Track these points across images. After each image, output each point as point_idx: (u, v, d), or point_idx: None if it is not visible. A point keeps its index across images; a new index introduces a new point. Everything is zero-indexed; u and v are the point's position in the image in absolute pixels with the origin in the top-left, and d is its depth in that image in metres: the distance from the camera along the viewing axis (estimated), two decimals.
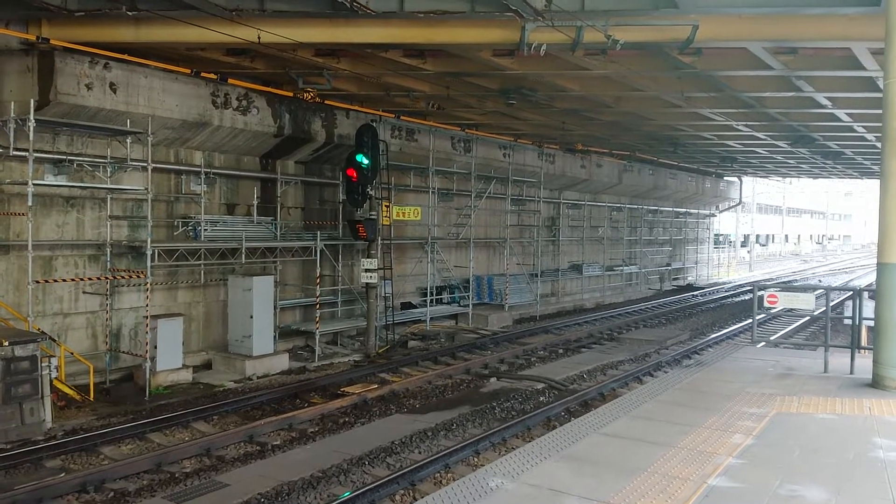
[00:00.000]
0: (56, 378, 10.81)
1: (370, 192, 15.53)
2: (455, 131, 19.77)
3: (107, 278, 12.53)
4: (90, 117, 11.77)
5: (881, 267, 8.92)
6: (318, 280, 15.48)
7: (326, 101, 15.50)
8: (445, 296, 20.58)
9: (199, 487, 7.98)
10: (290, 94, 14.63)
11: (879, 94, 9.54)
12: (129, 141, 12.19)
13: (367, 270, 15.90)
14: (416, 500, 7.62)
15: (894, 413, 7.77)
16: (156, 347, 12.42)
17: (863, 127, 19.13)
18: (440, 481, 8.15)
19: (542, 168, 23.20)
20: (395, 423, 10.47)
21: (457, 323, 19.85)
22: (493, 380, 13.46)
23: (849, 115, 17.42)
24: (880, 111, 9.03)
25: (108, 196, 12.57)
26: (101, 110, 11.83)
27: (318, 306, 15.47)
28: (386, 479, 7.80)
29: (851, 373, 9.84)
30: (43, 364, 9.90)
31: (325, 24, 10.70)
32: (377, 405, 11.51)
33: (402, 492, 7.82)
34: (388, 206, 16.81)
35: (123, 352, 12.99)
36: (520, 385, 12.99)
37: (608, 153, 26.24)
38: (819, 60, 12.46)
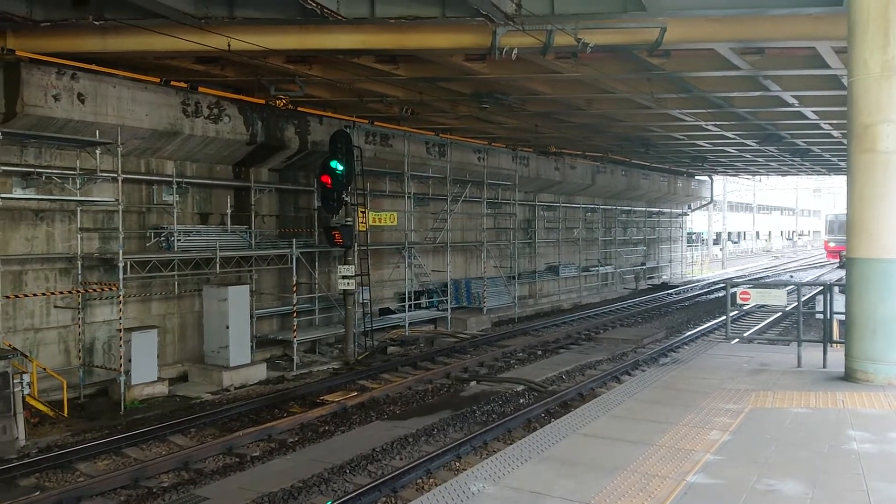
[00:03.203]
0: (29, 394, 10.61)
1: (345, 199, 15.48)
2: (429, 136, 19.79)
3: (78, 292, 12.33)
4: (58, 129, 11.60)
5: (850, 262, 9.09)
6: (294, 288, 15.38)
7: (299, 108, 15.43)
8: (424, 301, 20.57)
9: (177, 502, 7.89)
10: (263, 102, 14.55)
11: (844, 92, 9.74)
12: (98, 152, 12.02)
13: (344, 277, 15.84)
14: None
15: (867, 405, 7.91)
16: (130, 361, 12.24)
17: (829, 124, 19.51)
18: (422, 487, 8.14)
19: (517, 171, 23.30)
20: (375, 430, 10.43)
21: (436, 327, 19.84)
22: (473, 383, 13.47)
23: (815, 112, 17.75)
24: (845, 108, 9.21)
25: (78, 208, 12.36)
26: (69, 121, 11.66)
27: (295, 314, 15.36)
28: (367, 486, 7.76)
29: (824, 367, 10.00)
30: (15, 381, 9.72)
31: (295, 31, 10.65)
32: (357, 413, 11.45)
33: (384, 499, 7.80)
34: (363, 212, 16.75)
35: (97, 366, 12.79)
36: (500, 388, 13.02)
37: (581, 155, 26.44)
38: (785, 60, 12.70)
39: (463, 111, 17.14)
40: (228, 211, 14.84)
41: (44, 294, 12.13)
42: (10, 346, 10.84)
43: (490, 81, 14.15)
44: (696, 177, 38.34)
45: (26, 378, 10.46)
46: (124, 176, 12.17)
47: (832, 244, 47.77)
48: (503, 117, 18.12)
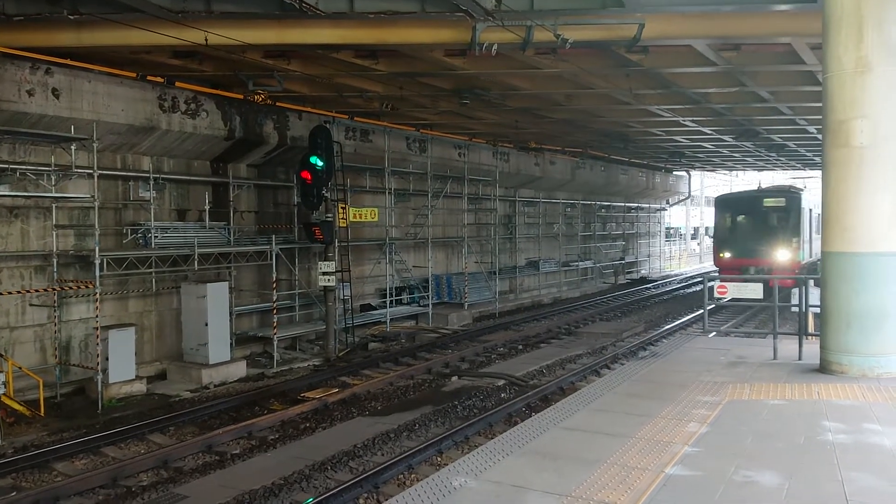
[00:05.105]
0: (4, 394, 10.46)
1: (325, 194, 15.40)
2: (410, 131, 19.75)
3: (54, 289, 12.16)
4: (32, 124, 11.42)
5: (826, 255, 9.22)
6: (274, 285, 15.28)
7: (278, 104, 15.31)
8: (405, 296, 20.54)
9: (157, 501, 7.83)
10: (241, 97, 14.41)
11: (819, 88, 9.87)
12: (73, 148, 11.85)
13: (324, 273, 15.76)
14: (380, 502, 7.61)
15: (841, 397, 8.04)
16: (107, 359, 12.10)
17: (804, 120, 19.75)
18: (404, 482, 8.15)
19: (497, 167, 23.34)
20: (357, 427, 10.42)
21: (417, 323, 19.84)
22: (454, 378, 13.49)
23: (790, 108, 17.96)
24: (820, 104, 9.34)
25: (53, 205, 12.18)
26: (43, 117, 11.49)
27: (275, 311, 15.26)
28: (349, 482, 7.75)
29: (800, 359, 10.13)
30: None
31: (273, 26, 10.58)
32: (338, 409, 11.43)
33: (365, 495, 7.79)
34: (344, 208, 16.68)
35: (74, 365, 12.62)
36: (481, 382, 13.06)
37: (561, 150, 26.54)
38: (761, 56, 12.84)
39: (443, 107, 17.13)
40: (206, 207, 14.70)
41: (19, 292, 11.95)
42: None
43: (470, 77, 14.15)
44: (674, 172, 38.67)
45: (1, 377, 10.31)
46: (100, 172, 12.01)
47: (727, 255, 23.30)
48: (483, 113, 18.13)
